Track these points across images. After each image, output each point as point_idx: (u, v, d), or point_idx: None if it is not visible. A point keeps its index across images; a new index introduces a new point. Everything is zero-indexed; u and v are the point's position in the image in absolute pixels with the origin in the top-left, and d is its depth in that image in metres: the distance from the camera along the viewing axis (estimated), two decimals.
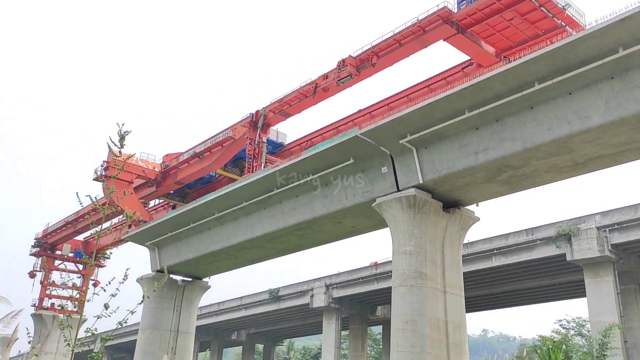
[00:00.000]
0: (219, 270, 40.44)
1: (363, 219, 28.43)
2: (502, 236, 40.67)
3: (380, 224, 27.99)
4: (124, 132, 4.55)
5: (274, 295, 59.81)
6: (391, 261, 25.70)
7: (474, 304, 48.96)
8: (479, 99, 21.07)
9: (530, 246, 38.73)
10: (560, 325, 57.10)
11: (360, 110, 35.13)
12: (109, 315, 4.16)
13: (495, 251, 40.40)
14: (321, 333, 57.71)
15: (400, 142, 23.76)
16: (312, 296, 54.03)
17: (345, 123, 35.31)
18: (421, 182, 23.70)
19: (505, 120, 21.17)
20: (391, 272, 25.50)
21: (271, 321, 68.72)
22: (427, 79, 31.78)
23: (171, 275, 39.17)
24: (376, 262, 55.24)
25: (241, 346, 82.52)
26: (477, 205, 26.44)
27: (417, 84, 32.19)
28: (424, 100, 23.37)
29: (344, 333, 58.76)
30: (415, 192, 23.63)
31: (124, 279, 4.29)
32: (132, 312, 4.44)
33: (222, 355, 78.40)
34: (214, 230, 35.37)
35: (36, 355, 4.51)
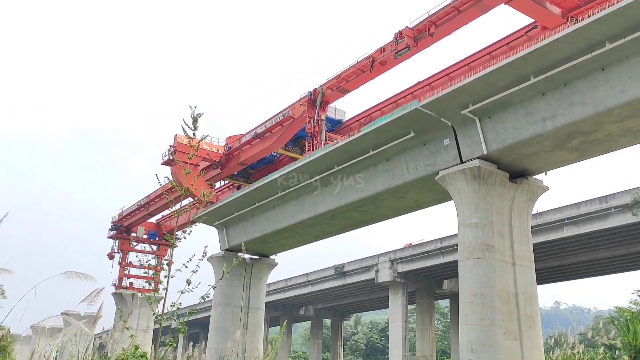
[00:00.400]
0: (284, 247, 41.33)
1: (426, 192, 28.14)
2: (573, 205, 39.12)
3: (444, 197, 27.62)
4: (197, 115, 4.71)
5: (339, 271, 60.51)
6: (455, 235, 25.37)
7: (545, 276, 47.60)
8: (545, 63, 20.18)
9: (604, 215, 37.06)
10: (639, 295, 54.57)
11: (419, 82, 34.44)
12: (192, 290, 4.42)
13: (566, 221, 38.96)
14: (388, 307, 58.01)
15: (462, 112, 23.22)
16: (377, 271, 54.27)
17: (404, 96, 34.75)
18: (485, 152, 23.13)
19: (574, 84, 20.20)
20: (457, 245, 25.21)
21: (337, 296, 69.68)
22: (488, 46, 30.64)
23: (239, 254, 40.40)
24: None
25: (309, 321, 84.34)
26: (546, 175, 25.54)
27: (478, 52, 31.12)
28: (485, 68, 22.61)
29: (410, 307, 58.75)
30: (480, 163, 23.10)
31: (203, 255, 4.52)
32: (213, 287, 4.68)
33: (292, 331, 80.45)
34: (279, 209, 36.09)
35: (127, 328, 4.85)
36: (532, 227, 26.35)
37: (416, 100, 25.99)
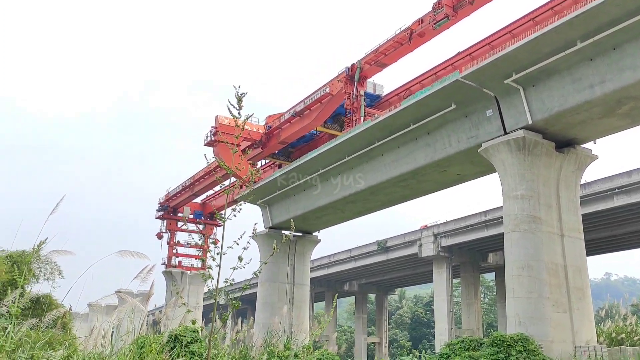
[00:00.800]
0: (327, 224, 41.65)
1: (469, 165, 27.72)
2: (624, 174, 37.75)
3: (487, 169, 27.17)
4: (241, 94, 4.79)
5: (382, 246, 60.58)
6: (500, 207, 24.96)
7: (595, 247, 46.36)
8: (592, 27, 19.37)
9: None
10: None
11: (459, 53, 33.61)
12: (244, 267, 4.57)
13: (616, 190, 37.68)
14: (432, 282, 57.86)
15: (505, 82, 22.62)
16: (420, 246, 54.04)
17: (444, 68, 34.01)
18: (530, 122, 22.53)
19: (624, 47, 19.34)
20: (502, 218, 24.83)
21: (381, 271, 69.90)
22: (532, 12, 29.52)
23: (282, 231, 40.98)
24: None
25: (354, 296, 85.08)
26: (595, 143, 24.75)
27: (521, 18, 30.04)
28: (529, 34, 21.88)
29: (455, 281, 58.40)
30: (525, 133, 22.55)
31: (253, 232, 4.65)
32: (265, 263, 4.81)
33: (337, 306, 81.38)
34: (320, 186, 36.31)
35: (184, 304, 5.03)
36: (580, 197, 25.66)
37: (457, 71, 25.42)
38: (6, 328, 7.51)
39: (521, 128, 22.77)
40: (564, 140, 23.69)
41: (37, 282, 13.79)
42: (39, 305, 11.74)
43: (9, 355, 6.97)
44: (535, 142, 22.79)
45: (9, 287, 8.14)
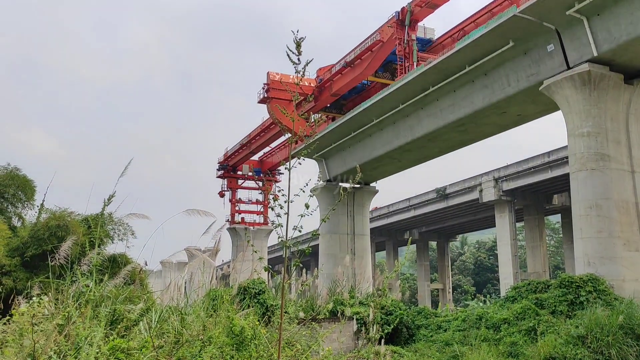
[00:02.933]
0: (384, 174, 41.49)
1: (530, 105, 26.64)
2: None
3: (550, 108, 26.05)
4: (300, 39, 4.69)
5: (441, 194, 59.97)
6: (564, 147, 23.98)
7: None
8: None
9: None
10: None
11: None
12: (311, 214, 4.64)
13: None
14: (494, 227, 57.01)
15: (567, 13, 21.28)
16: (481, 191, 53.08)
17: (500, 3, 32.30)
18: (596, 54, 21.22)
19: None
20: (567, 158, 23.89)
21: (441, 219, 69.47)
22: None
23: (340, 184, 41.21)
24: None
25: (414, 244, 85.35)
26: None
27: None
28: None
29: (518, 225, 57.29)
30: (590, 66, 21.30)
31: (318, 179, 4.69)
32: (333, 209, 4.87)
33: (398, 254, 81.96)
34: (375, 136, 36.00)
35: (261, 258, 5.22)
36: None
37: (514, 6, 24.10)
38: (88, 285, 8.05)
39: (586, 61, 21.50)
40: (633, 71, 22.22)
41: (112, 242, 14.58)
42: (116, 264, 12.45)
43: (93, 309, 7.49)
44: (602, 75, 21.51)
45: (88, 248, 8.67)
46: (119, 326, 7.35)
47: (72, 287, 8.11)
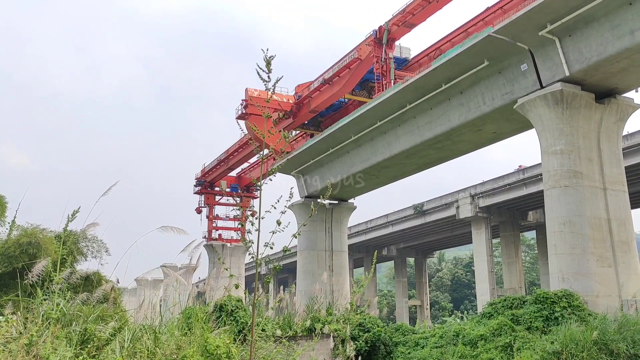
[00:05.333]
0: (362, 190, 41.61)
1: (505, 122, 27.10)
2: None
3: (524, 125, 26.53)
4: (270, 57, 4.73)
5: (419, 210, 60.32)
6: (538, 164, 24.40)
7: (639, 199, 45.04)
8: None
9: None
10: None
11: (490, 7, 32.48)
12: (283, 230, 4.62)
13: None
14: (471, 243, 57.47)
15: (540, 33, 21.83)
16: (457, 207, 53.55)
17: (475, 24, 32.95)
18: (568, 74, 21.76)
19: None
20: (541, 175, 24.30)
21: (418, 235, 69.80)
22: None
23: (318, 199, 41.22)
24: (520, 166, 52.87)
25: (392, 261, 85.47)
26: (637, 92, 23.79)
27: None
28: None
29: (494, 241, 57.88)
30: (562, 86, 21.81)
31: (290, 195, 4.68)
32: (304, 224, 4.84)
33: (376, 270, 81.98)
34: (353, 153, 36.17)
35: (232, 275, 5.17)
36: (623, 149, 24.81)
37: (489, 26, 24.63)
38: (59, 304, 7.84)
39: (558, 81, 22.03)
40: (604, 90, 22.83)
41: (86, 259, 14.28)
42: (89, 282, 12.18)
43: (63, 328, 7.29)
44: (574, 94, 22.04)
45: (59, 266, 8.47)
46: (90, 346, 7.16)
47: (43, 306, 7.90)
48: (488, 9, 32.40)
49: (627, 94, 23.68)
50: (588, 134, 22.35)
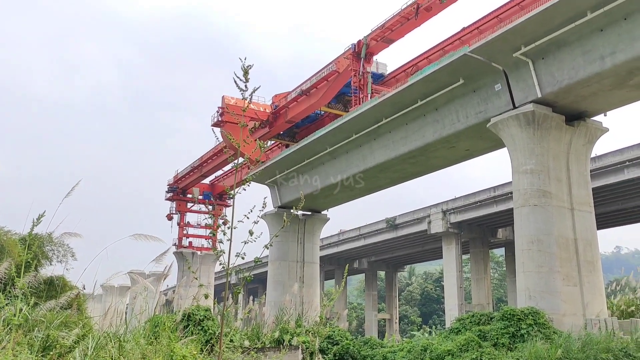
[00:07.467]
0: (336, 202, 41.72)
1: (478, 140, 27.54)
2: (635, 146, 37.37)
3: (497, 144, 26.98)
4: (247, 67, 4.72)
5: (391, 224, 60.68)
6: (509, 183, 24.85)
7: (605, 220, 46.17)
8: None
9: None
10: None
11: (467, 27, 33.14)
12: (255, 240, 4.58)
13: (627, 163, 37.33)
14: (441, 258, 57.99)
15: (514, 55, 22.33)
16: (429, 222, 54.06)
17: (451, 43, 33.56)
18: (540, 96, 22.28)
19: (635, 16, 18.97)
20: (511, 193, 24.73)
21: (390, 249, 70.15)
22: None
23: (291, 210, 41.13)
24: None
25: (364, 274, 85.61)
26: (605, 115, 24.46)
27: None
28: (538, 6, 21.49)
29: (464, 257, 58.55)
30: (534, 107, 22.31)
31: (263, 206, 4.66)
32: (276, 236, 4.81)
33: (347, 283, 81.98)
34: (328, 164, 36.26)
35: (201, 285, 5.10)
36: (591, 170, 25.46)
37: (465, 46, 25.10)
38: (21, 309, 7.62)
39: (530, 102, 22.53)
40: (574, 113, 23.43)
41: (51, 264, 13.94)
42: (53, 287, 11.89)
43: (25, 334, 7.08)
44: (545, 115, 22.56)
45: (23, 270, 8.24)
46: (52, 353, 6.97)
47: (4, 311, 7.66)
48: (464, 28, 33.05)
49: (596, 118, 24.34)
50: (558, 155, 22.88)
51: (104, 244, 8.23)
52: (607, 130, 24.60)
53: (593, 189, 24.75)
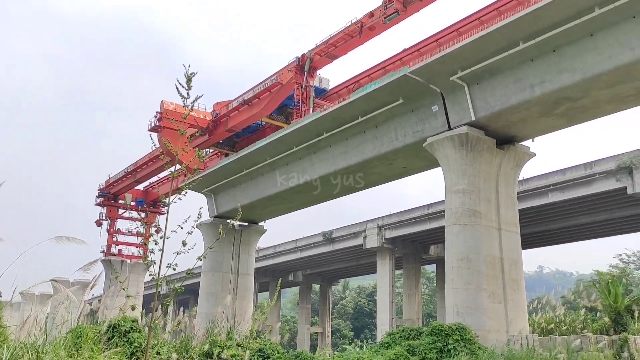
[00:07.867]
0: (274, 214, 41.52)
1: (414, 159, 28.27)
2: (559, 171, 39.57)
3: (432, 163, 27.77)
4: (191, 74, 4.64)
5: (328, 237, 61.04)
6: (442, 201, 25.64)
7: (529, 241, 48.41)
8: (534, 29, 20.11)
9: (589, 181, 37.53)
10: (620, 259, 55.74)
11: (408, 48, 34.15)
12: (188, 251, 4.47)
13: (551, 187, 39.44)
14: (375, 273, 58.85)
15: (451, 78, 23.17)
16: (365, 237, 54.82)
17: (392, 62, 34.46)
18: (473, 119, 23.20)
19: (563, 50, 20.19)
20: (444, 211, 25.51)
21: (326, 262, 70.47)
22: (478, 11, 30.34)
23: (228, 220, 40.53)
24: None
25: (298, 286, 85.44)
26: (533, 141, 25.74)
27: (467, 17, 30.82)
28: (475, 33, 22.49)
29: (397, 272, 59.68)
30: (468, 129, 23.19)
31: (198, 216, 4.56)
32: (210, 247, 4.71)
33: (281, 296, 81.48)
34: (267, 176, 36.10)
35: (128, 296, 4.88)
36: (518, 193, 26.69)
37: (406, 66, 25.83)
38: None
39: (465, 124, 23.40)
40: (504, 137, 24.53)
41: None
42: None
43: None
44: (478, 138, 23.49)
45: None
46: None
47: None
48: (405, 50, 34.04)
49: (524, 142, 25.59)
50: (488, 177, 23.84)
51: (23, 248, 7.79)
52: (534, 155, 25.90)
53: (519, 211, 25.91)
